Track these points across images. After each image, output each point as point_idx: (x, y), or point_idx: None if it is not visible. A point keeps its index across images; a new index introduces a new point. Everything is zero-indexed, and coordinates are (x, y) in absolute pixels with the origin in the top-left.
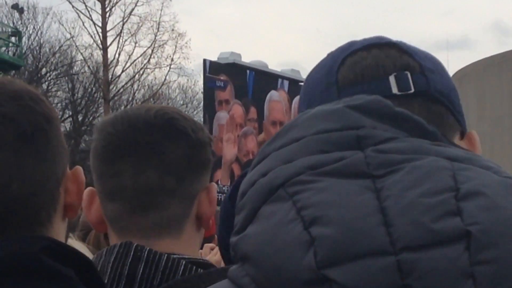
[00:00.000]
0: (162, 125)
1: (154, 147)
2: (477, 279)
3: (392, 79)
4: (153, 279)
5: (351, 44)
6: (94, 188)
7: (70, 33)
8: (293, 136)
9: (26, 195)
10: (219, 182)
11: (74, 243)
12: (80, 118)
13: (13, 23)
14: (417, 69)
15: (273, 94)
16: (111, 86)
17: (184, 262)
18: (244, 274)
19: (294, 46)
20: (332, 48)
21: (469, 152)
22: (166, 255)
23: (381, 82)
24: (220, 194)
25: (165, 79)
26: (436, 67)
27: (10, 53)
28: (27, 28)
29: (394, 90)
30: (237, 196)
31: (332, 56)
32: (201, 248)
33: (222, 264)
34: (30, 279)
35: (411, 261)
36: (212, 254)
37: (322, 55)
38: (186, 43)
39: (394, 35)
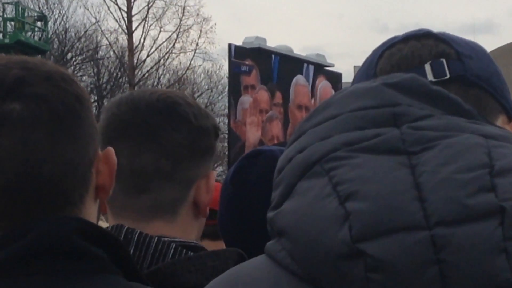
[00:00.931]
0: (164, 108)
1: (153, 130)
2: (510, 254)
3: (427, 66)
4: (143, 262)
5: (392, 38)
6: None
7: (96, 18)
8: (330, 113)
9: (58, 176)
10: None
11: (105, 225)
12: (105, 103)
13: (39, 8)
14: (452, 56)
15: (299, 78)
16: (136, 71)
17: (174, 245)
18: (280, 249)
19: (317, 31)
20: (355, 33)
21: (505, 131)
22: (156, 238)
23: (416, 71)
24: None
25: (190, 64)
26: (476, 53)
27: (36, 38)
28: (52, 12)
29: (430, 77)
30: (238, 179)
31: (373, 51)
32: (205, 237)
33: None
34: (62, 259)
35: (445, 236)
36: None
37: (345, 40)
38: (211, 27)
39: (418, 19)
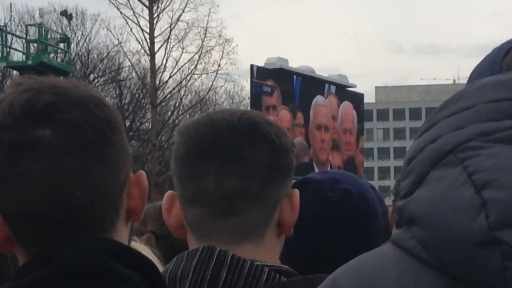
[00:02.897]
0: (246, 129)
1: (238, 151)
2: None
3: None
4: (236, 285)
5: None
6: (174, 192)
7: (118, 39)
8: (463, 105)
9: (89, 202)
10: None
11: (139, 246)
12: (127, 124)
13: (62, 30)
14: None
15: (318, 98)
16: (159, 92)
17: (267, 270)
18: (410, 237)
19: (334, 51)
20: (370, 53)
21: None
22: (249, 261)
23: None
24: None
25: (212, 84)
26: None
27: (59, 59)
28: (75, 34)
29: None
30: None
31: (496, 49)
32: None
33: None
34: (93, 280)
35: None
36: None
37: (361, 60)
38: (233, 48)
39: (434, 40)
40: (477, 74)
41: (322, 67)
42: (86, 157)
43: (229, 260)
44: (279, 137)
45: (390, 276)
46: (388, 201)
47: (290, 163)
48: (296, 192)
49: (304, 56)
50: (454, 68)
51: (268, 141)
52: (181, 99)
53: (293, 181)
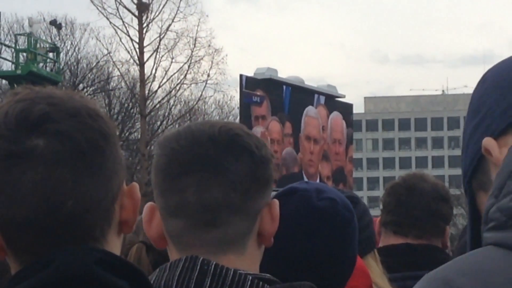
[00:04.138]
0: (227, 141)
1: (219, 163)
2: None
3: None
4: None
5: None
6: (154, 204)
7: (107, 49)
8: None
9: (81, 212)
10: None
11: None
12: (116, 133)
13: (51, 39)
14: None
15: (309, 109)
16: (148, 102)
17: (250, 278)
18: None
19: (321, 61)
20: (357, 61)
21: None
22: (232, 269)
23: None
24: None
25: (201, 94)
26: None
27: (48, 69)
28: (64, 44)
29: None
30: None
31: None
32: None
33: None
34: None
35: None
36: None
37: (348, 70)
38: (222, 58)
39: (419, 50)
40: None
41: (310, 77)
42: (78, 168)
43: (212, 268)
44: (259, 149)
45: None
46: (377, 211)
47: (270, 174)
48: (276, 202)
49: (293, 66)
50: (442, 79)
51: (249, 153)
52: (170, 109)
53: (275, 191)
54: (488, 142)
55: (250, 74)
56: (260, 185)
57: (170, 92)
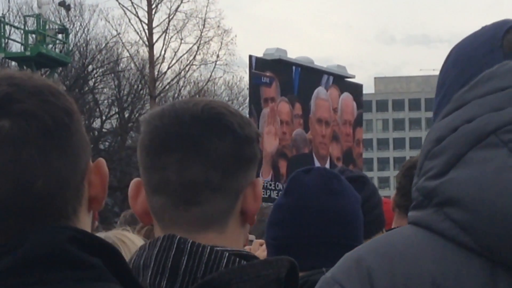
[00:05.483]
0: (209, 119)
1: (200, 141)
2: None
3: None
4: (197, 271)
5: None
6: (140, 180)
7: (116, 30)
8: (497, 85)
9: (51, 191)
10: (261, 175)
11: (132, 236)
12: (126, 115)
13: (60, 20)
14: None
15: (320, 91)
16: (157, 83)
17: (227, 254)
18: (442, 219)
19: (329, 42)
20: (364, 42)
21: None
22: (209, 247)
23: None
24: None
25: (210, 75)
26: None
27: (57, 50)
28: (74, 25)
29: None
30: (290, 188)
31: (493, 26)
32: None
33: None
34: (56, 268)
35: None
36: (262, 250)
37: (354, 50)
38: (231, 39)
39: (425, 30)
40: (471, 48)
41: (318, 58)
42: (46, 147)
43: (189, 247)
44: (242, 127)
45: (426, 261)
46: (387, 191)
47: (253, 153)
48: (259, 181)
49: (302, 46)
50: None
51: (231, 131)
52: (179, 90)
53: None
54: None
55: (260, 55)
56: (242, 164)
57: (180, 73)
